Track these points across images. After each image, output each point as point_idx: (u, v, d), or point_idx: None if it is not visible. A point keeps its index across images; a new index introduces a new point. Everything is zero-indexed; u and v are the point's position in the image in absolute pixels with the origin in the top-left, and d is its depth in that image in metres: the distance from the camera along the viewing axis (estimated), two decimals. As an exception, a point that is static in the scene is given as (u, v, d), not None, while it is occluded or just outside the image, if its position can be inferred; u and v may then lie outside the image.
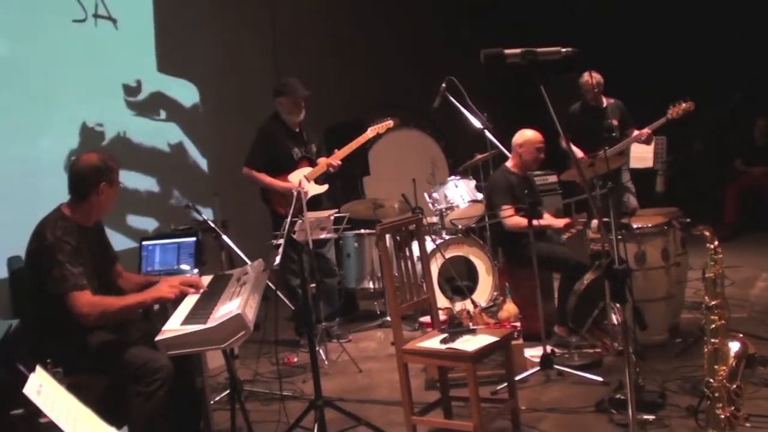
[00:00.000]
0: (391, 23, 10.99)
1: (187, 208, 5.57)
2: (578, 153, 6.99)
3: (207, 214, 5.50)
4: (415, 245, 4.74)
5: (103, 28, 7.35)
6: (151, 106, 7.91)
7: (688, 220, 5.86)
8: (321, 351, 6.14)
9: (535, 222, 5.63)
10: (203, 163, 8.53)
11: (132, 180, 7.45)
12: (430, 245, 6.57)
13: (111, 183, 4.12)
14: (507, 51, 3.37)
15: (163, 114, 8.03)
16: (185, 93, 8.36)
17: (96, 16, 7.26)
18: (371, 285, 7.55)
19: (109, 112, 7.42)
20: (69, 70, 6.96)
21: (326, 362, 6.15)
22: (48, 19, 6.80)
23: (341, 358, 6.27)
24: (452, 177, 7.63)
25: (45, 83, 6.75)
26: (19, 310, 4.94)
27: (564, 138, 4.03)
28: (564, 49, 3.39)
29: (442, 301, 6.60)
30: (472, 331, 4.41)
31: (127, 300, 4.03)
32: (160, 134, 8.01)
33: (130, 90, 7.65)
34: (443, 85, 6.88)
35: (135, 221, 7.50)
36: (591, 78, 7.31)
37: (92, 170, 4.08)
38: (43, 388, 2.37)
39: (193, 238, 5.33)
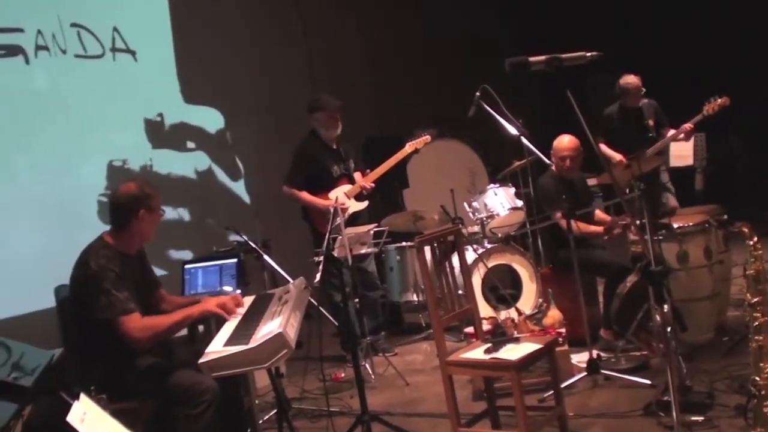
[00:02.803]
0: (425, 33, 11.01)
1: (227, 230, 5.63)
2: (617, 156, 6.95)
3: (248, 236, 5.54)
4: (455, 256, 4.74)
5: (122, 62, 7.46)
6: (179, 135, 7.99)
7: (725, 217, 5.78)
8: (367, 365, 6.17)
9: (573, 227, 5.59)
10: (242, 185, 8.60)
11: (169, 211, 7.51)
12: (471, 255, 6.57)
13: (150, 209, 4.19)
14: (531, 59, 3.33)
15: (191, 144, 8.12)
16: (212, 119, 8.43)
17: (114, 50, 7.39)
18: (415, 297, 7.54)
19: (138, 143, 7.56)
20: (100, 103, 7.14)
21: (372, 376, 6.17)
22: (70, 56, 6.99)
23: (388, 372, 6.29)
24: (491, 185, 7.61)
25: (80, 116, 6.96)
26: (67, 338, 5.01)
27: (595, 142, 4.00)
28: (589, 54, 3.33)
29: (486, 310, 6.58)
30: (516, 340, 4.40)
31: (175, 316, 4.11)
32: (192, 162, 8.10)
33: (155, 123, 7.74)
34: (477, 93, 6.87)
35: (175, 253, 7.58)
36: (636, 80, 7.26)
37: (131, 199, 4.16)
38: (87, 416, 2.41)
39: (235, 260, 5.39)
